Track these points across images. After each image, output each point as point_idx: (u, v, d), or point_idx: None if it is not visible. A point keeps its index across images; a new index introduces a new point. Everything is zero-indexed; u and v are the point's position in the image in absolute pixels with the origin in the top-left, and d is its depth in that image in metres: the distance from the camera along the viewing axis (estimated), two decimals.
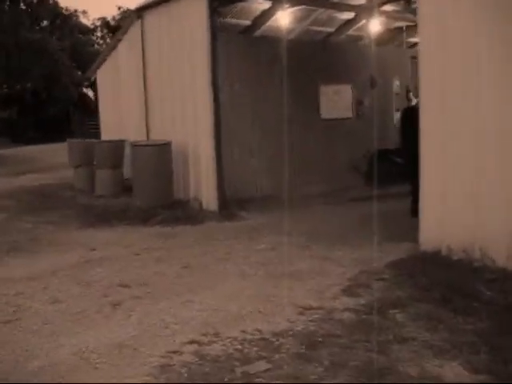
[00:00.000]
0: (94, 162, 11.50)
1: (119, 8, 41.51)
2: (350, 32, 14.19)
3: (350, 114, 11.94)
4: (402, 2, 13.00)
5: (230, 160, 9.73)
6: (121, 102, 12.11)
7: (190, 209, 9.54)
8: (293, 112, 10.75)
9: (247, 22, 12.14)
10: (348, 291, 5.57)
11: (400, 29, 14.16)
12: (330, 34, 14.11)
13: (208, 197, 9.50)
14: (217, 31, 9.29)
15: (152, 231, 8.43)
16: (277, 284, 5.83)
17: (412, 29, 14.97)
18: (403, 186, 11.89)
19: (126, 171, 11.40)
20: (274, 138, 10.40)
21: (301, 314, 5.00)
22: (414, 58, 15.13)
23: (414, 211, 7.25)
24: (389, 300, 5.28)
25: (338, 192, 11.18)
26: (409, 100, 13.53)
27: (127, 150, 11.29)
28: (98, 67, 12.92)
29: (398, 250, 6.80)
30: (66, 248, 7.49)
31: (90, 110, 35.69)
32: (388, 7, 12.89)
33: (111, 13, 53.71)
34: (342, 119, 11.75)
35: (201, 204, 9.59)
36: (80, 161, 11.88)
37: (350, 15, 13.61)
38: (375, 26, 13.14)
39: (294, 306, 5.17)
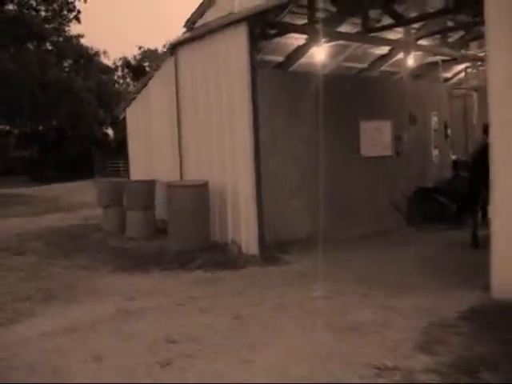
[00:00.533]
0: (124, 203, 11.09)
1: (140, 48, 42.07)
2: (386, 67, 13.88)
3: (389, 152, 11.46)
4: (437, 37, 12.70)
5: (269, 200, 9.24)
6: (152, 141, 11.76)
7: (229, 252, 9.01)
8: (333, 150, 10.31)
9: (281, 58, 11.88)
10: (423, 347, 4.97)
11: (436, 63, 13.81)
12: (363, 70, 13.83)
13: (248, 240, 8.98)
14: (256, 67, 8.94)
15: (192, 277, 7.90)
16: (341, 338, 5.25)
17: (448, 63, 14.67)
18: (446, 226, 11.42)
19: (158, 212, 10.96)
20: (314, 176, 9.93)
21: (378, 375, 4.42)
22: (450, 93, 14.89)
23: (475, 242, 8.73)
24: (472, 358, 4.68)
25: (381, 234, 10.66)
26: (447, 136, 13.11)
27: (159, 191, 10.89)
28: (127, 106, 12.64)
29: (466, 297, 6.22)
30: (102, 296, 6.97)
31: (110, 149, 35.83)
32: (424, 41, 12.57)
33: (131, 52, 54.51)
34: (382, 157, 11.27)
35: (240, 247, 9.07)
36: (109, 201, 11.47)
37: (384, 50, 13.34)
38: (411, 60, 12.83)
39: (368, 365, 4.59)
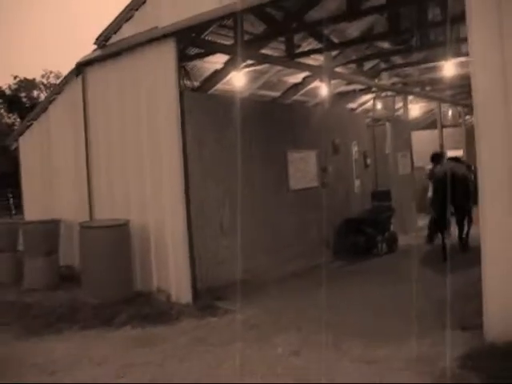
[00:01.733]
0: (21, 247, 9.39)
1: (15, 77, 38.97)
2: (303, 96, 13.49)
3: (316, 183, 10.84)
4: (351, 66, 12.50)
5: (198, 240, 8.15)
6: (52, 175, 10.15)
7: (157, 302, 7.72)
8: (263, 182, 9.50)
9: (196, 84, 10.94)
10: None
11: (351, 92, 13.63)
12: (277, 98, 13.31)
13: (178, 286, 7.78)
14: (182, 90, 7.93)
15: (120, 337, 6.53)
16: None
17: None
18: (376, 258, 11.01)
19: (63, 257, 9.40)
20: (245, 212, 9.01)
21: None
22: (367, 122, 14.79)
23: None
24: None
25: (313, 270, 9.92)
26: (367, 166, 12.83)
27: (64, 232, 9.36)
28: (20, 134, 10.92)
29: (454, 341, 5.56)
30: (14, 374, 5.43)
31: None
32: (341, 69, 12.30)
33: (5, 82, 50.57)
34: (310, 189, 10.61)
35: (169, 296, 7.83)
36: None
37: (298, 78, 12.92)
38: (328, 88, 12.49)
39: None
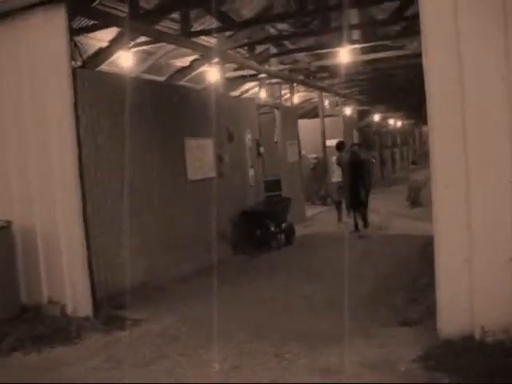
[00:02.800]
0: None
1: None
2: (193, 82, 12.63)
3: (213, 173, 10.10)
4: (244, 51, 11.93)
5: (96, 241, 7.07)
6: None
7: (50, 318, 6.48)
8: (161, 172, 8.57)
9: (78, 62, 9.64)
10: None
11: (242, 78, 13.05)
12: (163, 82, 12.33)
13: (74, 296, 6.63)
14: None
15: (11, 367, 5.32)
16: None
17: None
18: (276, 250, 10.60)
19: None
20: (144, 207, 8.08)
21: None
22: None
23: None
24: None
25: (219, 266, 9.27)
26: (260, 155, 12.35)
27: None
28: None
29: (403, 339, 5.22)
30: None
31: None
32: (233, 53, 11.66)
33: None
34: (207, 179, 9.85)
35: (63, 308, 6.64)
36: None
37: (185, 62, 12.07)
38: (219, 72, 11.82)
39: None
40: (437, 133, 5.05)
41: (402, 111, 29.37)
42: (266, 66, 12.72)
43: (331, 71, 14.94)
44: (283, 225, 11.09)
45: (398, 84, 20.23)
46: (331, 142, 17.59)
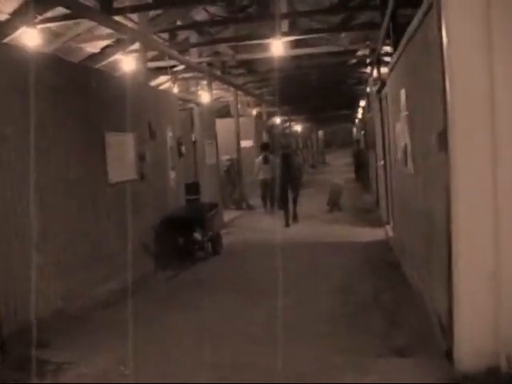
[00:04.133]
0: None
1: None
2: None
3: (134, 175, 8.70)
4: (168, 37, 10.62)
5: (1, 261, 5.51)
6: None
7: None
8: (79, 174, 7.08)
9: None
10: None
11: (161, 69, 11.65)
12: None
13: None
14: None
15: None
16: None
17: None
18: (204, 262, 9.42)
19: None
20: (60, 216, 6.57)
21: None
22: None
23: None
24: None
25: (145, 283, 8.01)
26: (180, 155, 11.09)
27: None
28: None
29: (410, 375, 4.31)
30: None
31: None
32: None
33: None
34: (129, 182, 8.44)
35: None
36: None
37: (96, 48, 10.52)
38: (135, 62, 10.43)
39: None
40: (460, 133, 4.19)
41: (304, 114, 29.25)
42: (188, 57, 11.46)
43: (249, 68, 14.00)
44: (210, 233, 9.92)
45: (309, 85, 19.80)
46: (244, 144, 16.70)
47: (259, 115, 20.99)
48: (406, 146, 7.25)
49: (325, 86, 20.50)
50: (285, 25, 10.04)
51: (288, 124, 28.73)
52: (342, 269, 8.40)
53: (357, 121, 35.36)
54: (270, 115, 23.88)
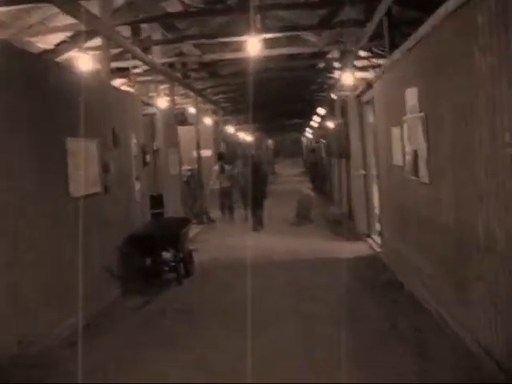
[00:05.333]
0: None
1: None
2: None
3: (98, 188, 7.51)
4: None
5: None
6: None
7: None
8: (37, 186, 5.85)
9: None
10: None
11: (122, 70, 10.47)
12: None
13: None
14: None
15: None
16: None
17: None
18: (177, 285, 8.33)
19: None
20: (15, 239, 5.35)
21: None
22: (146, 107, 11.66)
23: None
24: None
25: (112, 316, 6.85)
26: (145, 164, 9.95)
27: None
28: None
29: None
30: None
31: None
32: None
33: None
34: (92, 195, 7.24)
35: None
36: None
37: (48, 44, 9.27)
38: (90, 61, 9.27)
39: None
40: None
41: (258, 123, 28.44)
42: (151, 56, 10.33)
43: (212, 71, 13.02)
44: (182, 253, 8.79)
45: (269, 92, 19.00)
46: (204, 153, 15.72)
47: (216, 123, 19.97)
48: (415, 152, 6.46)
49: (285, 92, 19.75)
50: (259, 22, 9.17)
51: (241, 133, 27.82)
52: (334, 290, 7.50)
53: (309, 130, 34.96)
54: (226, 123, 22.91)
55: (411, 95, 6.45)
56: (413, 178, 6.63)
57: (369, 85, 9.46)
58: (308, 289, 7.81)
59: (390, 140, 7.90)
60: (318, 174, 24.68)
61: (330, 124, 17.60)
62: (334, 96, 16.48)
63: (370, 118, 10.40)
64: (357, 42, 10.06)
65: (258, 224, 13.36)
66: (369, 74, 12.36)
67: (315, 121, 25.67)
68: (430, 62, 5.66)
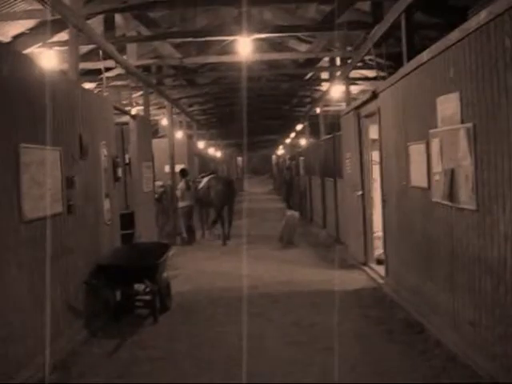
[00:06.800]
0: None
1: None
2: None
3: (59, 207, 6.15)
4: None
5: None
6: None
7: None
8: None
9: None
10: None
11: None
12: None
13: None
14: None
15: None
16: None
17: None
18: (152, 324, 6.99)
19: None
20: None
21: None
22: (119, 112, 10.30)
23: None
24: None
25: (71, 371, 5.49)
26: (117, 179, 8.61)
27: None
28: None
29: None
30: None
31: None
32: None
33: None
34: (52, 217, 5.87)
35: None
36: None
37: (5, 36, 7.92)
38: (55, 58, 7.96)
39: None
40: None
41: (230, 139, 27.28)
42: (125, 57, 9.02)
43: (190, 77, 11.81)
44: (158, 284, 7.44)
45: (247, 105, 17.86)
46: (178, 168, 14.48)
47: (190, 137, 18.70)
48: (452, 171, 5.35)
49: (263, 106, 18.66)
50: (248, 18, 8.04)
51: (212, 149, 26.57)
52: (345, 335, 6.28)
53: (283, 147, 33.96)
54: (199, 138, 21.64)
55: (447, 103, 5.37)
56: (445, 202, 5.52)
57: (373, 95, 8.39)
58: (313, 331, 6.57)
59: (407, 158, 6.80)
60: (293, 192, 23.55)
61: (311, 140, 16.56)
62: (317, 110, 15.46)
63: (372, 134, 9.33)
64: (360, 47, 9.04)
65: (226, 239, 13.77)
66: (365, 86, 11.36)
67: (291, 138, 24.65)
68: (483, 58, 4.57)
